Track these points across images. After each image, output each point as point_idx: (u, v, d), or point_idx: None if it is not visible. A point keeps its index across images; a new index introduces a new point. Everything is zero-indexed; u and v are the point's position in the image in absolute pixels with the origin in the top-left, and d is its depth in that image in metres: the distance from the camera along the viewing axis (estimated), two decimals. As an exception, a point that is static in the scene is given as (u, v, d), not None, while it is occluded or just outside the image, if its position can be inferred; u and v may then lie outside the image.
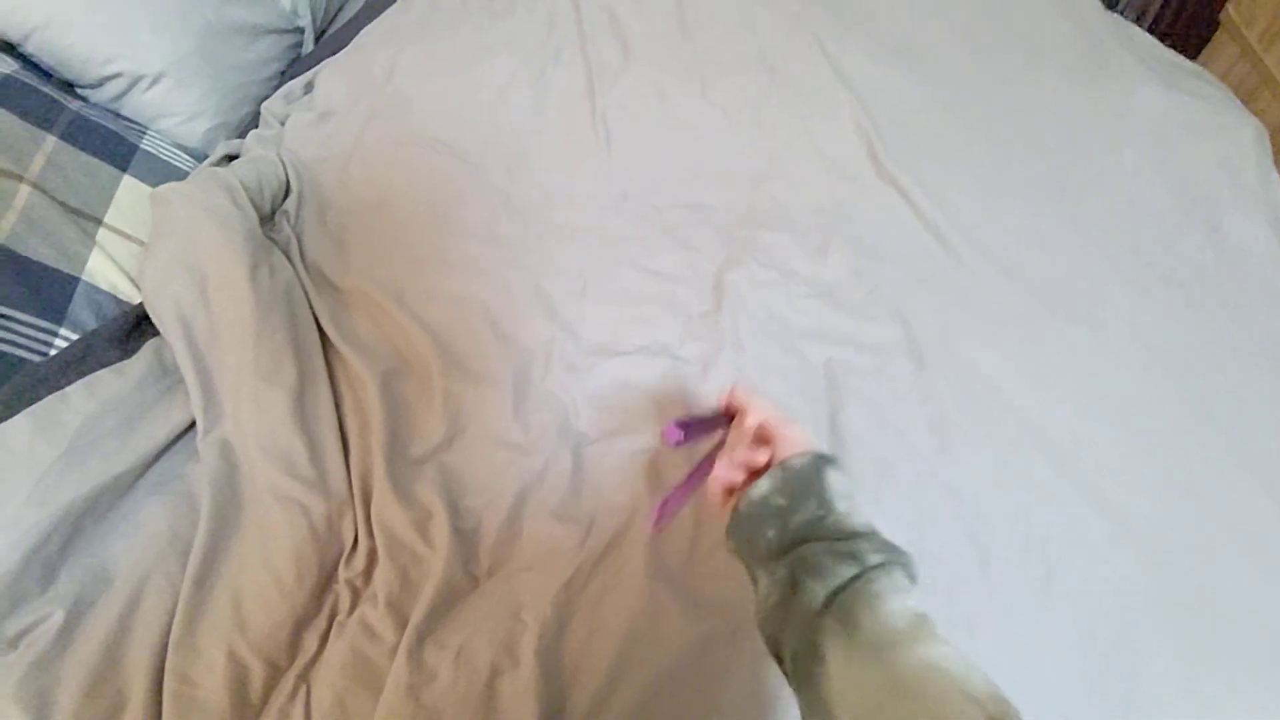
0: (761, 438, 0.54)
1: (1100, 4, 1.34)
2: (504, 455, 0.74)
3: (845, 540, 0.46)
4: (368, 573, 0.65)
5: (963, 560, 0.74)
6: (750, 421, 0.54)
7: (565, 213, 0.96)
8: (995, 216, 1.04)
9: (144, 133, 0.93)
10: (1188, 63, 1.30)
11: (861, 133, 1.09)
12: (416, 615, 0.62)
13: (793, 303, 0.91)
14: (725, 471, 0.54)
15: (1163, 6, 1.76)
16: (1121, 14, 1.50)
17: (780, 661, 0.47)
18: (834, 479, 0.50)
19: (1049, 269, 1.00)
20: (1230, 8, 1.62)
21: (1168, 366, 0.93)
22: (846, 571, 0.44)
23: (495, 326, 0.82)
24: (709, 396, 0.82)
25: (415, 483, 0.70)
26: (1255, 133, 1.26)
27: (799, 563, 0.46)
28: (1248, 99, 1.31)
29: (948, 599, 0.72)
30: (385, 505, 0.67)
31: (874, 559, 0.45)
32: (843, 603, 0.43)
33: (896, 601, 0.42)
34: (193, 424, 0.69)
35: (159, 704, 0.59)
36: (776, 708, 0.64)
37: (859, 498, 0.51)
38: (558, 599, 0.65)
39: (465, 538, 0.69)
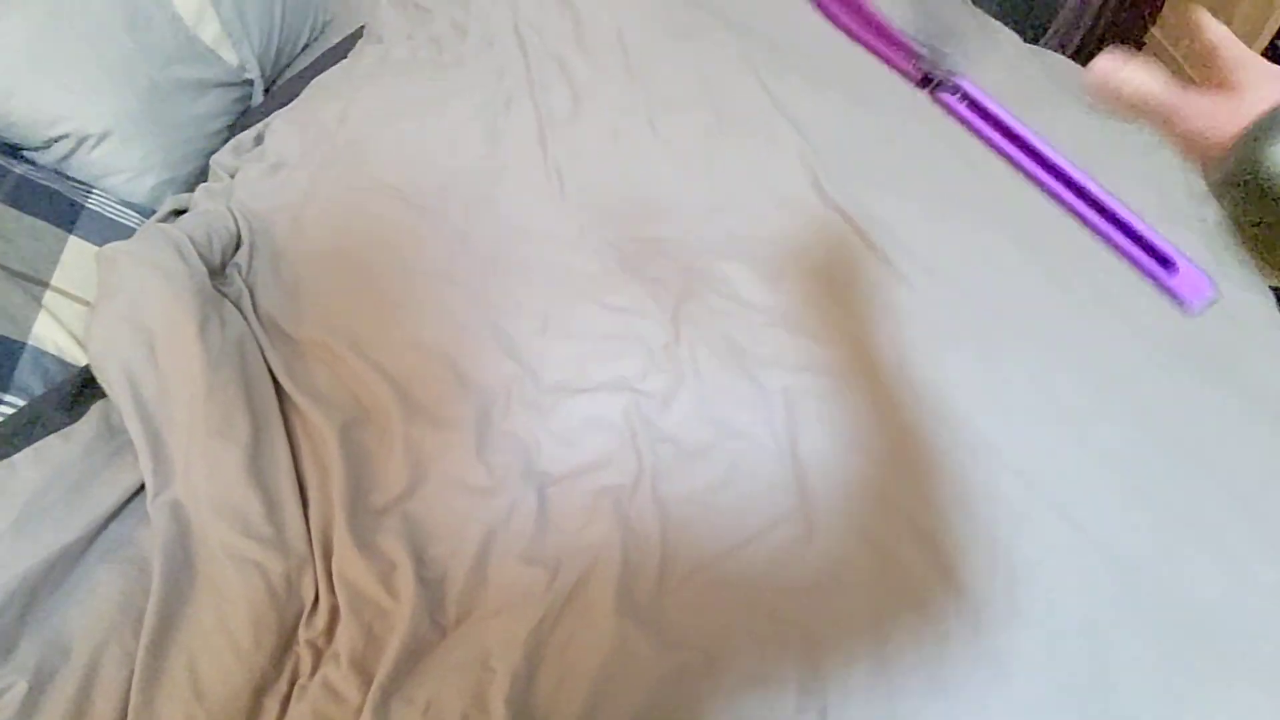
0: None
1: (1021, 40, 1.42)
2: (468, 500, 0.74)
3: None
4: (330, 631, 0.64)
5: (930, 577, 0.75)
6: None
7: (523, 251, 0.97)
8: (939, 237, 1.08)
9: (90, 192, 0.92)
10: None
11: (805, 164, 1.13)
12: (382, 672, 0.61)
13: (750, 331, 0.93)
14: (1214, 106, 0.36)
15: (1086, 34, 1.87)
16: (1046, 45, 1.59)
17: None
18: None
19: (995, 288, 1.04)
20: (1154, 30, 1.72)
21: (1115, 379, 0.96)
22: None
23: (455, 369, 0.82)
24: (674, 425, 0.83)
25: (378, 534, 0.69)
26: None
27: None
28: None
29: (919, 614, 0.72)
30: (347, 559, 0.66)
31: None
32: None
33: None
34: (142, 487, 0.67)
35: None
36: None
37: None
38: (527, 645, 0.64)
39: (431, 587, 0.68)
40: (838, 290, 1.00)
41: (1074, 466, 0.86)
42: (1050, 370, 0.95)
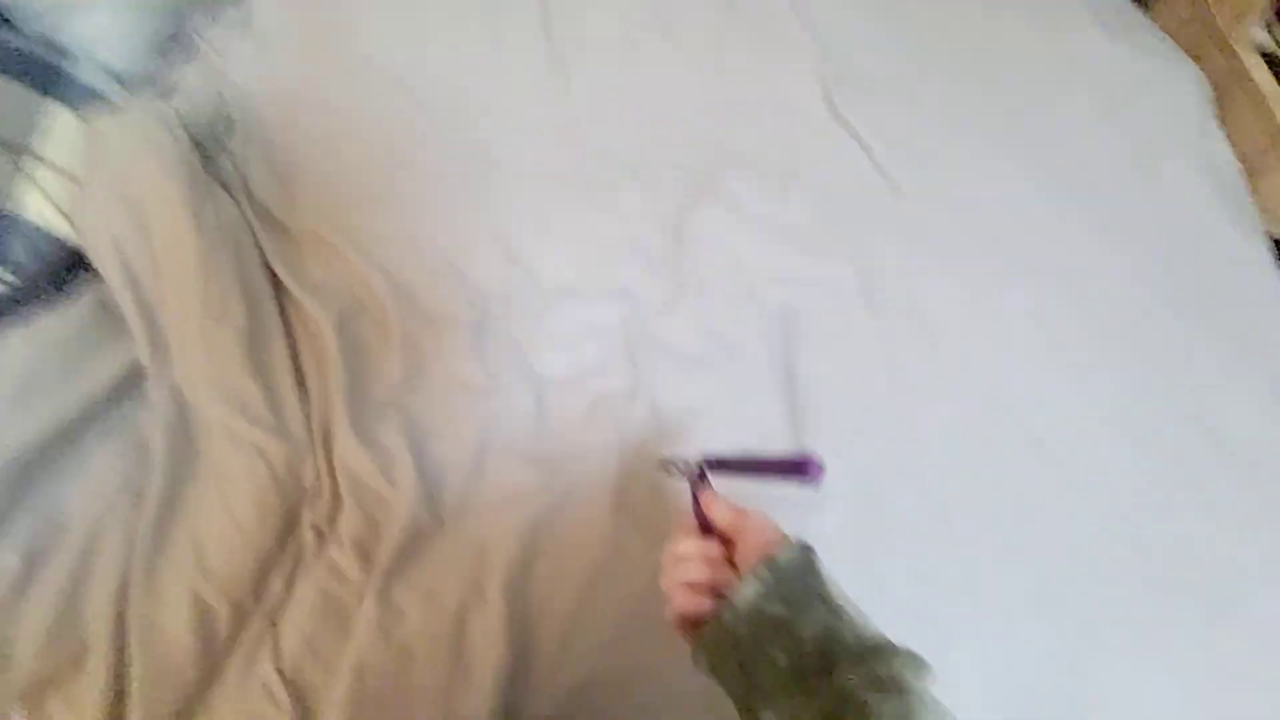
0: (719, 535, 0.47)
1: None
2: (465, 398, 0.74)
3: (879, 660, 0.38)
4: (332, 516, 0.65)
5: (919, 510, 0.77)
6: (711, 513, 0.47)
7: (524, 152, 0.93)
8: (950, 159, 1.06)
9: (77, 60, 0.87)
10: (1138, 13, 1.32)
11: (818, 74, 1.08)
12: (384, 557, 0.63)
13: (753, 246, 0.92)
14: (683, 596, 0.44)
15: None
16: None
17: None
18: (824, 569, 0.43)
19: (1000, 214, 1.03)
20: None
21: (1119, 319, 0.96)
22: (893, 709, 0.36)
23: (452, 267, 0.80)
24: (672, 335, 0.82)
25: (378, 426, 0.70)
26: (1197, 85, 1.30)
27: (842, 703, 0.37)
28: (1195, 51, 1.34)
29: (907, 542, 0.75)
30: (348, 449, 0.66)
31: (913, 681, 0.37)
32: None
33: None
34: (138, 367, 0.66)
35: (121, 650, 0.59)
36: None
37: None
38: (524, 538, 0.67)
39: (430, 479, 0.69)
40: (841, 208, 0.98)
41: (1069, 408, 0.86)
42: (1051, 306, 0.95)
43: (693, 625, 0.44)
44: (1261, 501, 0.85)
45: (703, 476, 0.51)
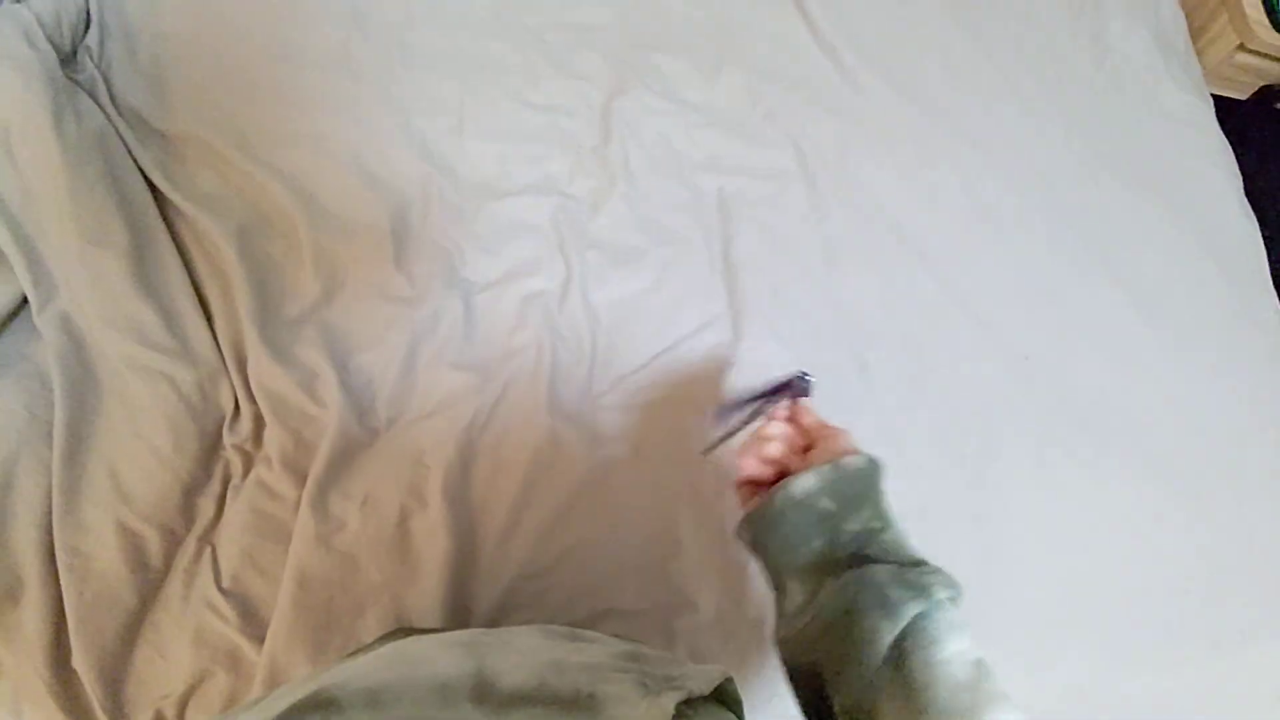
0: (803, 435, 0.50)
1: None
2: (390, 308, 0.71)
3: (910, 567, 0.40)
4: (256, 436, 0.64)
5: (845, 369, 0.79)
6: (800, 419, 0.50)
7: (431, 37, 0.85)
8: (892, 29, 1.01)
9: None
10: None
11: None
12: (316, 469, 0.62)
13: (686, 132, 0.88)
14: (754, 465, 0.48)
15: None
16: None
17: (794, 683, 0.42)
18: (885, 488, 0.45)
19: (943, 86, 0.99)
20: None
21: (1045, 183, 0.97)
22: (911, 609, 0.38)
23: (362, 170, 0.75)
24: (602, 229, 0.80)
25: (295, 344, 0.67)
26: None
27: (862, 588, 0.39)
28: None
29: (831, 402, 0.77)
30: (264, 369, 0.64)
31: (941, 594, 0.39)
32: (903, 653, 0.37)
33: (953, 645, 0.37)
34: (24, 300, 0.62)
35: (56, 579, 0.58)
36: (676, 519, 0.70)
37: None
38: (459, 441, 0.66)
39: (358, 394, 0.67)
40: (779, 87, 0.93)
41: (989, 268, 0.90)
42: (981, 174, 0.95)
43: (749, 497, 0.48)
44: (1160, 346, 0.90)
45: (791, 390, 0.54)
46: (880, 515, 0.43)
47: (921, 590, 0.39)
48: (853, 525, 0.43)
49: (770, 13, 0.98)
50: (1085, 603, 0.78)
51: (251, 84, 0.74)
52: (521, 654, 0.36)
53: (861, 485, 0.44)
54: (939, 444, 0.79)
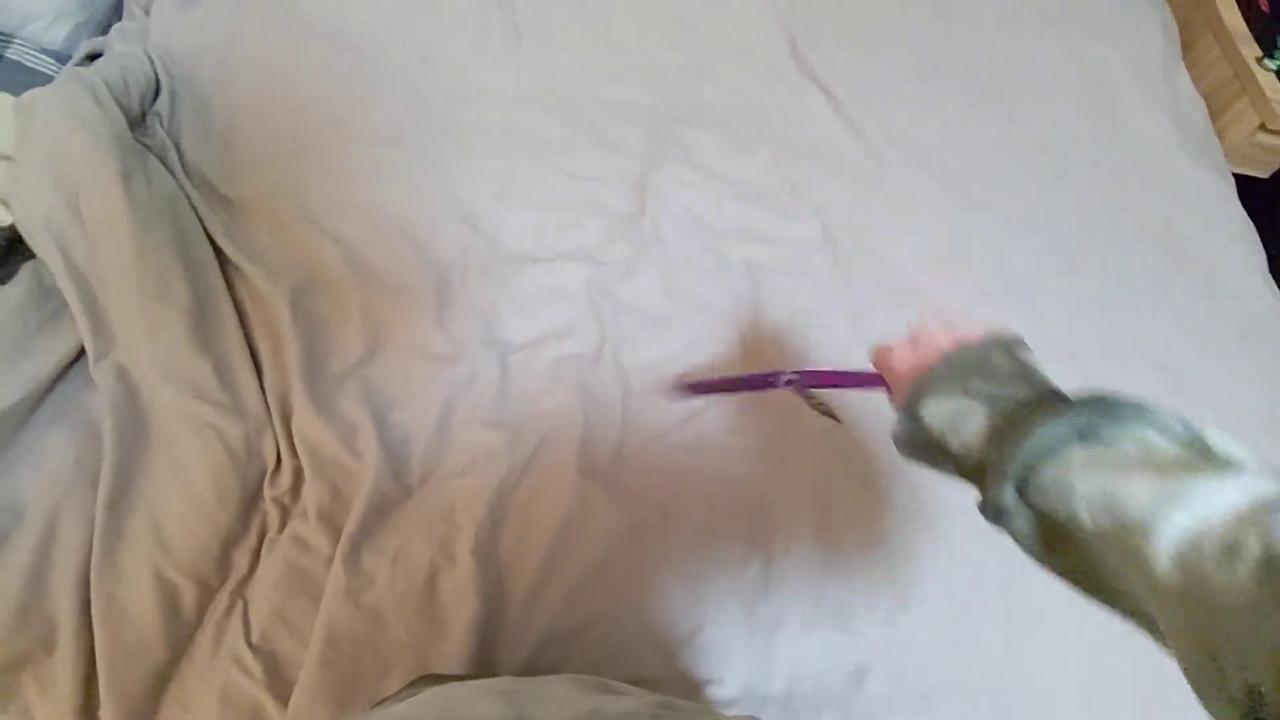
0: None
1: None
2: (429, 366, 0.74)
3: (1085, 403, 0.37)
4: (295, 490, 0.65)
5: (875, 449, 0.78)
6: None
7: (476, 112, 0.91)
8: (913, 109, 1.05)
9: (10, 41, 0.83)
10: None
11: (783, 24, 1.06)
12: (350, 525, 0.63)
13: (716, 203, 0.91)
14: (910, 353, 0.50)
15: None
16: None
17: (998, 512, 0.37)
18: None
19: (961, 160, 1.03)
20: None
21: (1068, 258, 0.98)
22: (1087, 455, 0.34)
23: (409, 235, 0.78)
24: (635, 295, 0.82)
25: (338, 399, 0.69)
26: (1164, 28, 1.29)
27: (1102, 409, 0.36)
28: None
29: (859, 480, 0.77)
30: (307, 423, 0.66)
31: (1113, 431, 0.36)
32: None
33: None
34: (83, 349, 0.65)
35: (90, 629, 0.59)
36: (707, 587, 0.69)
37: None
38: (491, 501, 0.67)
39: (394, 449, 0.69)
40: (806, 161, 0.97)
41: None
42: (1003, 248, 0.97)
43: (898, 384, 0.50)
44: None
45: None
46: (1036, 383, 0.43)
47: (1093, 435, 0.36)
48: (1039, 375, 0.44)
49: (799, 96, 1.03)
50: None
51: (311, 153, 0.79)
52: (559, 703, 0.35)
53: (1017, 355, 0.45)
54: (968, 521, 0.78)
